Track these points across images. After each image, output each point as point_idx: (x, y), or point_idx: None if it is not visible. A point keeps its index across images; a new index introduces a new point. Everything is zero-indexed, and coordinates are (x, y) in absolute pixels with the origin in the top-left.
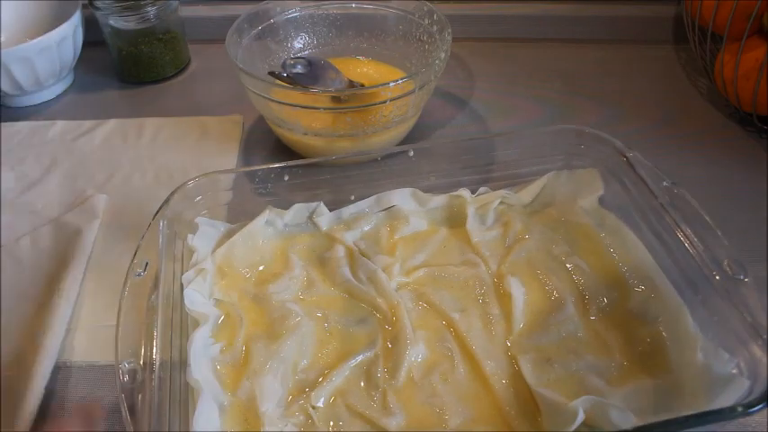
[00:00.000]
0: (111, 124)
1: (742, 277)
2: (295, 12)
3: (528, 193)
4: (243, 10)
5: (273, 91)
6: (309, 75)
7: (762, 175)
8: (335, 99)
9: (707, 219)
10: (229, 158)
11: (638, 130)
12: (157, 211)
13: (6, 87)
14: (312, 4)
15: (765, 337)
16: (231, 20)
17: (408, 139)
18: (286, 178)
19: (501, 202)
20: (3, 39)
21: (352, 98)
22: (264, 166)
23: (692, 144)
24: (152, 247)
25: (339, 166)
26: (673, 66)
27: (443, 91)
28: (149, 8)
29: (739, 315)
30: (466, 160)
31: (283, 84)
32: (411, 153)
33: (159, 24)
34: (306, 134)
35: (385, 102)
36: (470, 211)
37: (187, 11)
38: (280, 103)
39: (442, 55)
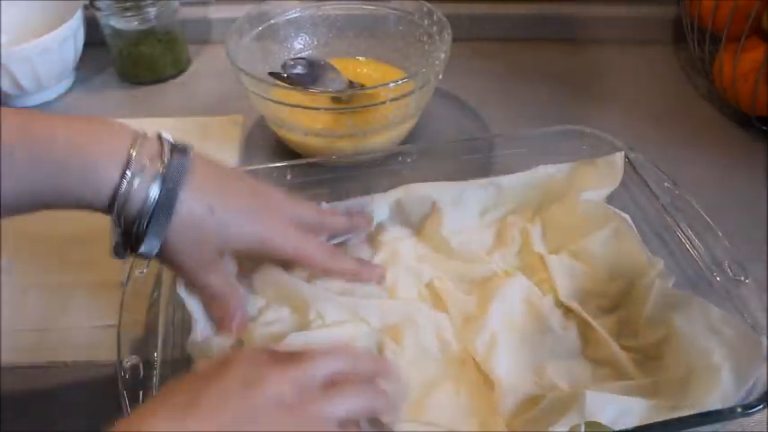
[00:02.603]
0: None
1: (742, 278)
2: (295, 12)
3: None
4: (243, 10)
5: (274, 91)
6: (309, 75)
7: (760, 176)
8: (336, 99)
9: (708, 220)
10: (229, 159)
11: (637, 130)
12: None
13: (7, 88)
14: (312, 4)
15: (765, 338)
16: (231, 20)
17: (408, 139)
18: (288, 177)
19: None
20: (4, 39)
21: (352, 98)
22: (265, 166)
23: (690, 144)
24: None
25: (340, 165)
26: (672, 66)
27: (443, 91)
28: (150, 9)
29: (739, 316)
30: (467, 161)
31: (283, 84)
32: (412, 154)
33: (160, 25)
34: (306, 134)
35: (385, 102)
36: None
37: (187, 12)
38: (280, 103)
39: (442, 55)
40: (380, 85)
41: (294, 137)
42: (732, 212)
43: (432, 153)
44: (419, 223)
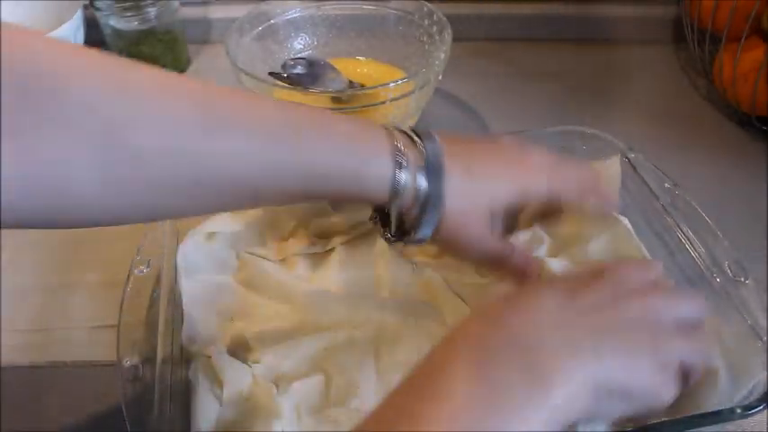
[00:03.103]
0: None
1: (742, 279)
2: (295, 12)
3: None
4: (243, 10)
5: (274, 92)
6: (309, 75)
7: (760, 175)
8: (336, 99)
9: (708, 221)
10: None
11: (637, 130)
12: None
13: None
14: (312, 4)
15: (765, 338)
16: (231, 20)
17: None
18: None
19: None
20: None
21: (352, 98)
22: None
23: (690, 144)
24: (155, 244)
25: None
26: (672, 66)
27: (443, 91)
28: (150, 9)
29: (739, 317)
30: None
31: (284, 84)
32: None
33: (160, 25)
34: None
35: (385, 102)
36: None
37: (187, 11)
38: None
39: (442, 55)
40: (380, 85)
41: None
42: (732, 212)
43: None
44: None
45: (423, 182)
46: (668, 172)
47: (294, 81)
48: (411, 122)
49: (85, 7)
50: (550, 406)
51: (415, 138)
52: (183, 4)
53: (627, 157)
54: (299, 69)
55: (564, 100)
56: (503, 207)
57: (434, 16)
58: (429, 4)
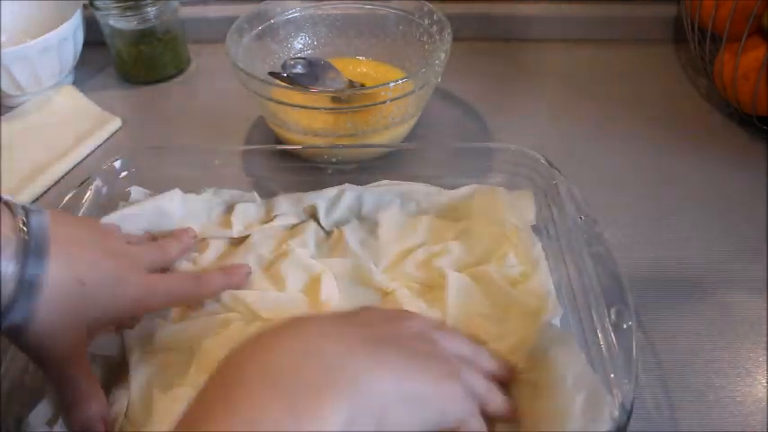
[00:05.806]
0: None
1: (624, 325)
2: (295, 12)
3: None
4: (243, 10)
5: (273, 91)
6: (309, 75)
7: (761, 176)
8: (336, 99)
9: (613, 258)
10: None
11: (638, 129)
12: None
13: (7, 87)
14: (312, 4)
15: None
16: (231, 20)
17: (408, 138)
18: (292, 179)
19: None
20: (3, 39)
21: (352, 98)
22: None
23: (691, 144)
24: None
25: (339, 166)
26: (672, 66)
27: (443, 91)
28: (149, 8)
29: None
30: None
31: (283, 84)
32: (413, 153)
33: (159, 25)
34: (306, 134)
35: (385, 102)
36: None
37: (187, 11)
38: (280, 103)
39: (442, 55)
40: (380, 85)
41: (294, 137)
42: (732, 212)
43: (430, 154)
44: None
45: (10, 267)
46: (669, 171)
47: (294, 81)
48: (411, 123)
49: (85, 7)
50: None
51: (18, 210)
52: (182, 4)
53: (555, 181)
54: (299, 69)
55: (564, 100)
56: (106, 324)
57: (434, 16)
58: (429, 4)
